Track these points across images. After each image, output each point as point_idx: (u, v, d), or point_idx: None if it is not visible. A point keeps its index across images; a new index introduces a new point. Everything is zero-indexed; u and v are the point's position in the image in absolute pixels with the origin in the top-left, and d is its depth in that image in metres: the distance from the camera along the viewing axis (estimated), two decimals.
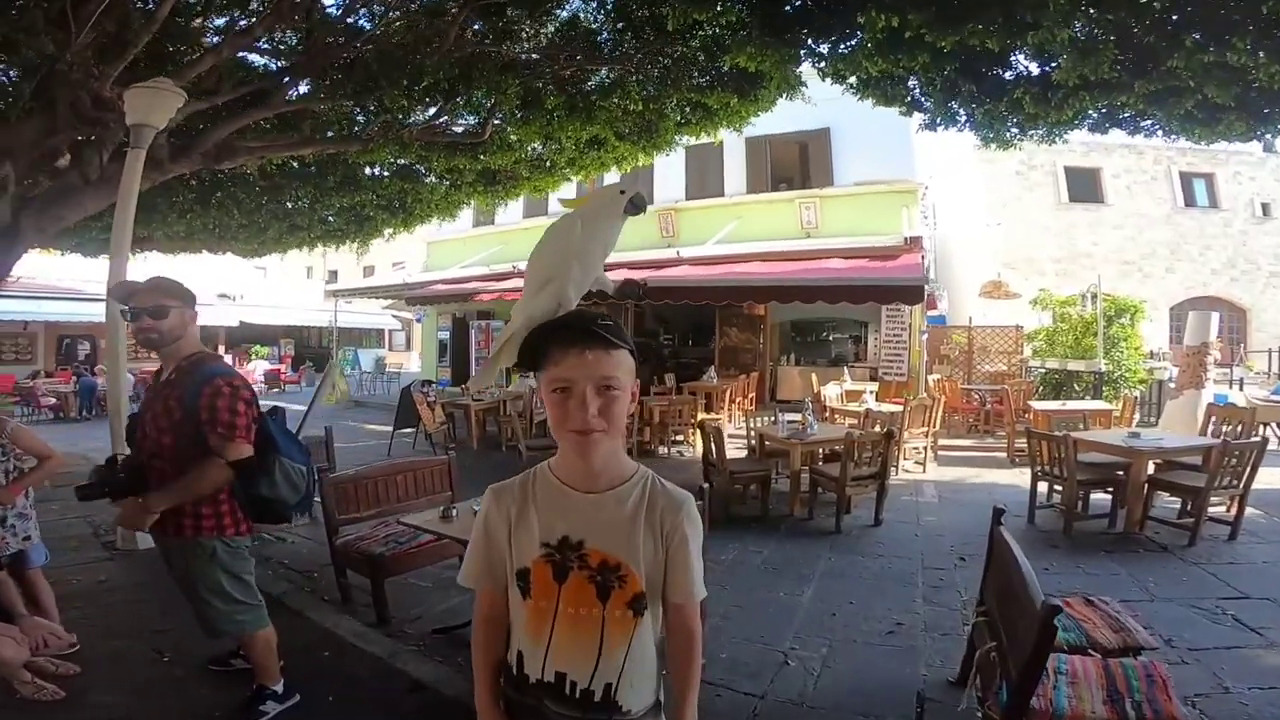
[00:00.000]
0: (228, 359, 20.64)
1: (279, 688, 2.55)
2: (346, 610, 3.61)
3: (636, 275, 11.12)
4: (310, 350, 24.67)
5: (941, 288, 14.01)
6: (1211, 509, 4.84)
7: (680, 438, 8.52)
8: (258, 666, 2.54)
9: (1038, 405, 8.10)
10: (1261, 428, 7.19)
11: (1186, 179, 19.29)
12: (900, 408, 7.43)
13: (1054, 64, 4.52)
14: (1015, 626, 1.98)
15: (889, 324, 11.61)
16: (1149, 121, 5.20)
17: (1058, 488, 5.34)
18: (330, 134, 5.90)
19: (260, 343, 23.66)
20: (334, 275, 26.57)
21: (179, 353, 2.34)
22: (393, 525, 3.68)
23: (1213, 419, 6.51)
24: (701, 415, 7.88)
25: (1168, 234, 18.93)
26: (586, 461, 1.10)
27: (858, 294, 8.78)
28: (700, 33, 4.90)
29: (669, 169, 12.64)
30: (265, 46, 5.20)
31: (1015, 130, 5.53)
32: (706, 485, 3.39)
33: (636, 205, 1.30)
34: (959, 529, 5.26)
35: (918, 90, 5.31)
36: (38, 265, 11.82)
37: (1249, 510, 4.99)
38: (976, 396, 10.08)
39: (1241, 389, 11.07)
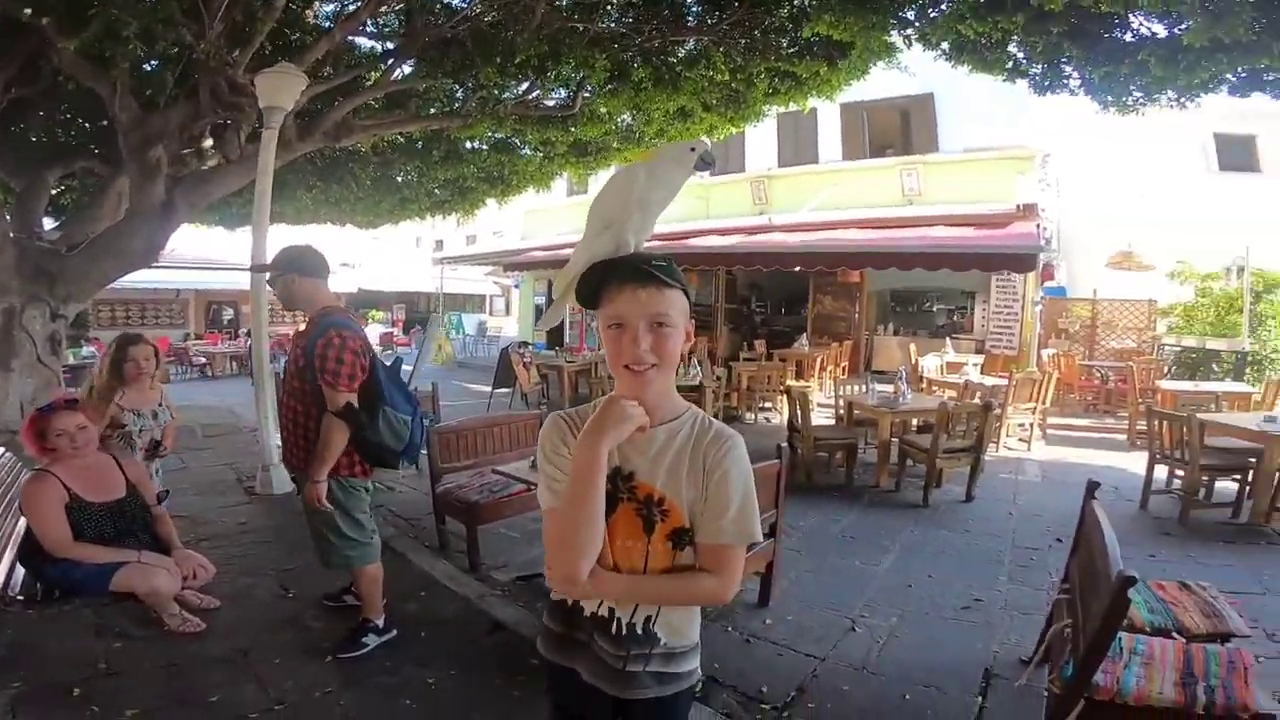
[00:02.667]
0: None
1: (380, 621, 2.80)
2: (443, 555, 3.93)
3: (728, 241, 11.16)
4: (419, 314, 26.23)
5: (1060, 258, 12.96)
6: None
7: (768, 404, 8.49)
8: (363, 599, 2.80)
9: (1166, 385, 7.41)
10: None
11: None
12: (1005, 381, 7.04)
13: (1182, 26, 4.09)
14: (1091, 601, 1.93)
15: (999, 294, 10.95)
16: None
17: (1179, 473, 4.96)
18: (433, 111, 6.22)
19: (376, 307, 25.41)
20: (439, 244, 27.97)
21: (312, 309, 2.67)
22: (488, 475, 3.97)
23: None
24: (790, 381, 7.83)
25: None
26: (640, 395, 1.12)
27: (962, 261, 8.40)
28: (788, 2, 4.79)
29: (761, 137, 12.48)
30: (370, 29, 5.54)
31: (1139, 94, 5.08)
32: (786, 445, 3.43)
33: (706, 161, 1.31)
34: (1059, 510, 4.96)
35: (1021, 54, 4.97)
36: (187, 238, 13.17)
37: None
38: (1098, 374, 9.33)
39: None
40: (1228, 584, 3.57)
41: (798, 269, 10.18)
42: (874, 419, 5.55)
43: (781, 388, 7.80)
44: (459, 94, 6.17)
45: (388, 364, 2.78)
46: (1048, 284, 12.59)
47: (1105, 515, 2.25)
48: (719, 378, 7.24)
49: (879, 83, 6.73)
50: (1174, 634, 2.24)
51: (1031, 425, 7.05)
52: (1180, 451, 4.77)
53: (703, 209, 13.31)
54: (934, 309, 13.05)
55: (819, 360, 9.48)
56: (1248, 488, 4.74)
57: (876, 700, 2.60)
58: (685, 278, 1.15)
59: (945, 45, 4.80)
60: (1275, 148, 16.85)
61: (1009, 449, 6.99)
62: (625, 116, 6.74)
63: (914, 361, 8.76)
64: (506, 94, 5.93)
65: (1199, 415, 4.70)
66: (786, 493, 3.34)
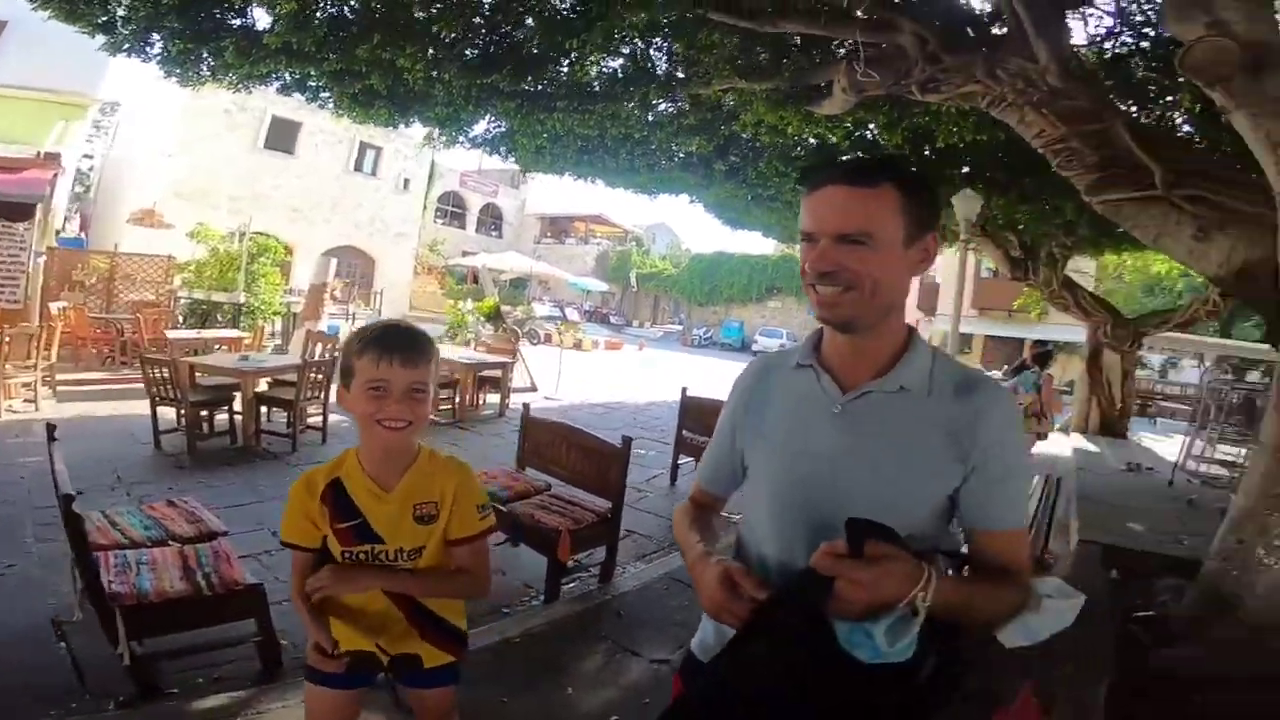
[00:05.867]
0: None
1: None
2: None
3: None
4: None
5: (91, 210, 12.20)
6: (312, 419, 6.09)
7: None
8: None
9: (172, 334, 8.27)
10: None
11: (364, 147, 22.78)
12: None
13: (272, 29, 4.73)
14: None
15: (2, 244, 9.29)
16: (326, 94, 6.08)
17: (183, 411, 5.66)
18: None
19: None
20: None
21: None
22: None
23: (317, 343, 8.21)
24: None
25: (334, 190, 22.09)
26: None
27: None
28: None
29: None
30: None
31: (208, 73, 5.55)
32: None
33: None
34: (74, 464, 4.93)
35: (121, 13, 4.73)
36: None
37: (333, 417, 6.40)
38: (114, 326, 9.36)
39: (354, 321, 14.34)
40: (234, 499, 4.47)
41: None
42: None
43: None
44: None
45: None
46: (67, 236, 11.62)
47: (59, 454, 2.62)
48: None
49: None
50: (169, 542, 2.78)
51: (36, 383, 6.53)
52: (176, 392, 5.53)
53: None
54: None
55: None
56: (238, 417, 5.88)
57: None
58: None
59: None
60: (309, 135, 20.85)
61: (13, 412, 6.30)
62: None
63: None
64: None
65: (184, 359, 5.57)
66: None
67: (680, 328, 32.39)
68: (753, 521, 1.06)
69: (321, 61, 5.13)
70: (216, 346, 7.44)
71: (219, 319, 10.28)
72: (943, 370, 0.97)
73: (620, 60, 5.49)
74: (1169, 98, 4.75)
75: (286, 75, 5.75)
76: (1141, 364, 16.05)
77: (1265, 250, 2.59)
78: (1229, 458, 6.40)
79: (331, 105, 6.33)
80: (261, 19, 5.24)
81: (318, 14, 4.77)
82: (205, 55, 5.35)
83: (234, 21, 5.24)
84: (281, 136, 20.37)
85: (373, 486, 1.30)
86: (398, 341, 1.23)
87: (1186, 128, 5.28)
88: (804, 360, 1.02)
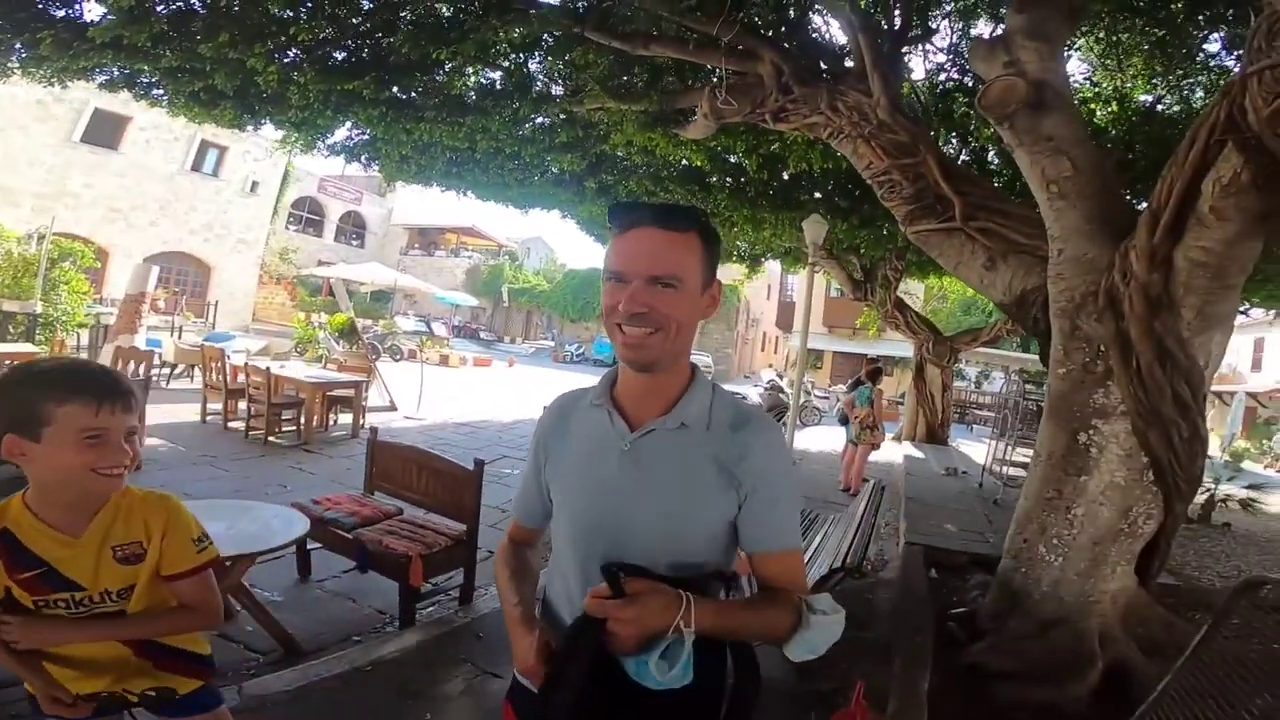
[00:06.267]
0: None
1: None
2: None
3: None
4: None
5: None
6: None
7: None
8: None
9: None
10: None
11: (206, 146, 20.44)
12: None
13: (106, 17, 4.20)
14: None
15: None
16: (160, 91, 5.49)
17: None
18: None
19: None
20: None
21: None
22: None
23: (130, 360, 7.29)
24: None
25: (164, 191, 19.74)
26: None
27: None
28: None
29: None
30: None
31: (16, 66, 5.01)
32: None
33: None
34: None
35: None
36: None
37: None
38: None
39: (180, 335, 12.83)
40: None
41: None
42: None
43: None
44: None
45: None
46: None
47: None
48: None
49: None
50: None
51: None
52: None
53: None
54: None
55: None
56: None
57: None
58: None
59: None
60: (139, 131, 18.38)
61: None
62: None
63: None
64: None
65: None
66: None
67: (553, 344, 32.22)
68: (559, 556, 1.10)
69: (157, 58, 4.65)
70: (6, 363, 6.42)
71: (11, 331, 8.86)
72: (721, 406, 1.05)
73: (499, 73, 5.46)
74: (984, 132, 5.42)
75: (114, 70, 5.19)
76: (960, 375, 18.21)
77: (1038, 279, 3.04)
78: (1026, 460, 7.32)
79: (166, 103, 5.74)
80: (91, 9, 4.73)
81: (159, 7, 4.33)
82: (18, 46, 4.73)
83: (58, 12, 4.65)
84: (103, 130, 18.04)
85: (55, 534, 1.20)
86: (113, 386, 1.17)
87: (998, 161, 6.06)
88: (597, 400, 1.08)
